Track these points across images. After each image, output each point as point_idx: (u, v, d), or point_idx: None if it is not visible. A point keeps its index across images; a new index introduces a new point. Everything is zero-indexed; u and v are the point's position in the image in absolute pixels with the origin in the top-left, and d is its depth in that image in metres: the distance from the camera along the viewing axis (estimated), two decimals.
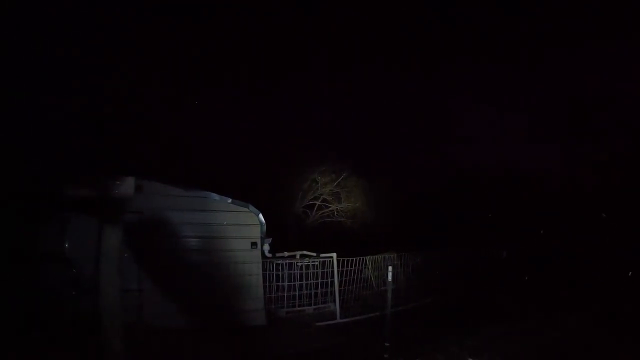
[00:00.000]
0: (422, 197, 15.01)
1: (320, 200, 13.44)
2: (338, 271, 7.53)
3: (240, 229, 6.74)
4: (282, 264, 7.15)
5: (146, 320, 5.83)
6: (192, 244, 6.44)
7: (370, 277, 7.96)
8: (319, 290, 7.53)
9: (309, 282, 7.42)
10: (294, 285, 7.32)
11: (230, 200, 6.74)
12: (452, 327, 6.74)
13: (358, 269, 7.88)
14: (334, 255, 7.55)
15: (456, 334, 6.19)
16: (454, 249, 10.36)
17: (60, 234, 5.84)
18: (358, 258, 7.86)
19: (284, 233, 7.63)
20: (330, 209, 13.41)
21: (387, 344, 5.29)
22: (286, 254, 7.26)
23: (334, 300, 7.49)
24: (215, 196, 6.67)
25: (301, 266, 7.38)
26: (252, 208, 6.88)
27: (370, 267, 7.96)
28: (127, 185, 3.82)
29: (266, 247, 6.92)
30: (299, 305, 7.39)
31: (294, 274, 7.35)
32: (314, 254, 7.53)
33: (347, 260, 7.73)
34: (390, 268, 5.21)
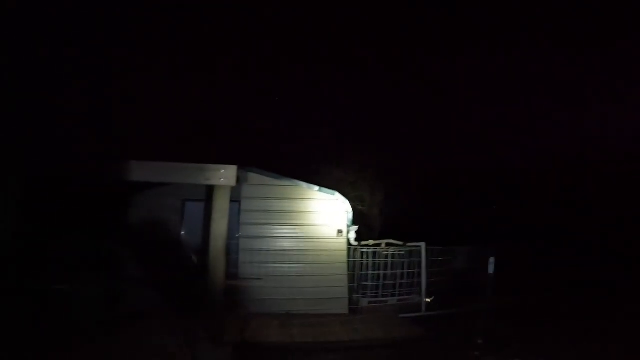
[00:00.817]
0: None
1: None
2: (426, 261, 7.20)
3: (327, 217, 6.84)
4: (367, 252, 7.07)
5: (242, 303, 6.29)
6: (282, 231, 6.72)
7: (461, 269, 7.44)
8: (405, 281, 7.29)
9: (394, 272, 7.23)
10: (378, 274, 7.19)
11: (317, 188, 6.85)
12: (555, 329, 6.03)
13: (448, 259, 7.43)
14: (423, 244, 7.23)
15: (558, 339, 5.52)
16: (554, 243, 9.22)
17: (177, 222, 6.61)
18: (448, 248, 7.40)
19: (370, 221, 7.50)
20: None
21: (479, 342, 4.90)
22: (371, 242, 7.15)
23: (420, 292, 7.20)
24: (304, 184, 6.83)
25: (386, 255, 7.21)
26: (338, 196, 6.91)
27: (461, 259, 7.44)
28: (231, 174, 4.01)
29: (352, 235, 6.90)
30: (383, 296, 7.27)
31: (379, 263, 7.21)
32: (401, 243, 7.28)
33: (437, 250, 7.32)
34: (492, 260, 4.75)
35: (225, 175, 3.96)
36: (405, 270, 7.22)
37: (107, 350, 4.28)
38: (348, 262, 6.88)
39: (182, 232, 6.71)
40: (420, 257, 7.23)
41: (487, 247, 6.75)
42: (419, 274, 7.22)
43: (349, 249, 6.90)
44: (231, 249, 6.02)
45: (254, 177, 6.61)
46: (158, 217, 6.57)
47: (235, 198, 5.94)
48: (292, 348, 4.96)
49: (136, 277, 5.76)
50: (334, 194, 6.91)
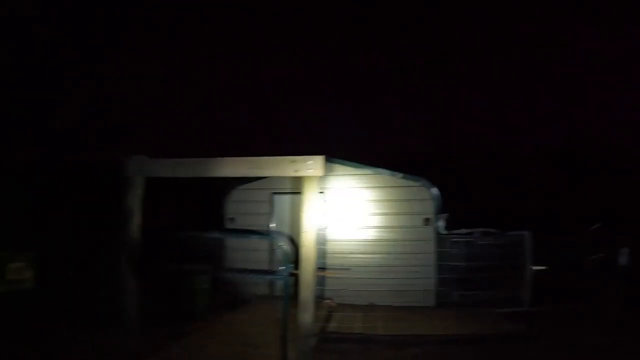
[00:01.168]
0: None
1: None
2: (531, 252, 6.44)
3: (413, 205, 6.56)
4: (459, 241, 6.59)
5: (327, 295, 6.40)
6: (367, 221, 6.66)
7: (578, 261, 6.47)
8: (504, 273, 6.61)
9: (490, 263, 6.60)
10: (472, 265, 6.65)
11: (401, 175, 6.60)
12: None
13: (557, 250, 6.52)
14: (527, 233, 6.48)
15: None
16: None
17: (268, 214, 7.00)
18: (558, 236, 6.50)
19: (466, 207, 6.91)
20: None
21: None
22: (464, 230, 6.64)
23: (522, 285, 6.47)
24: (386, 172, 6.65)
25: (481, 245, 6.63)
26: (424, 182, 6.57)
27: (576, 249, 6.47)
28: (319, 165, 4.00)
29: (441, 224, 6.50)
30: (477, 289, 6.69)
31: (473, 253, 6.66)
32: (499, 231, 6.63)
33: (544, 239, 6.48)
34: (625, 250, 4.01)
35: (313, 166, 3.96)
36: (505, 261, 6.56)
37: (211, 331, 4.82)
38: (437, 252, 6.52)
39: (273, 224, 7.11)
40: (522, 246, 6.50)
41: (612, 236, 5.76)
42: (521, 266, 6.50)
43: (438, 238, 6.53)
44: (318, 240, 6.16)
45: (338, 167, 6.67)
46: (251, 211, 7.06)
47: (321, 189, 6.08)
48: (377, 340, 4.86)
49: (235, 268, 6.31)
50: (419, 181, 6.58)
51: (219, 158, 3.95)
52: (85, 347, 4.03)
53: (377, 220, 6.63)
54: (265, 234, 6.85)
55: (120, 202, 3.88)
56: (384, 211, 6.62)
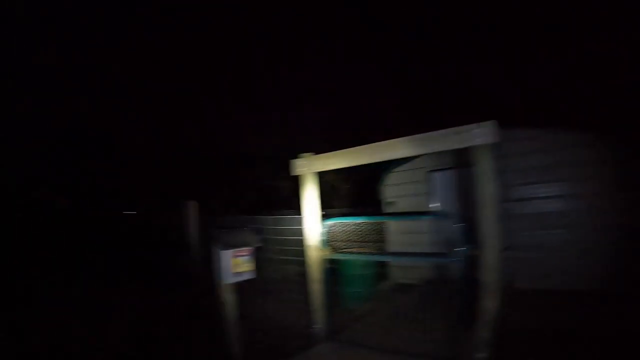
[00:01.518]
0: None
1: None
2: None
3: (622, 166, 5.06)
4: None
5: (513, 278, 5.61)
6: (551, 189, 5.54)
7: None
8: None
9: None
10: None
11: (596, 133, 5.19)
12: None
13: None
14: None
15: None
16: None
17: (428, 194, 6.75)
18: None
19: None
20: None
21: None
22: None
23: None
24: (565, 134, 5.36)
25: None
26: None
27: None
28: (490, 131, 3.57)
29: None
30: None
31: None
32: None
33: None
34: None
35: (483, 133, 3.52)
36: None
37: (381, 315, 4.99)
38: None
39: (435, 204, 6.73)
40: None
41: None
42: None
43: None
44: (499, 215, 5.48)
45: (515, 132, 5.71)
46: (409, 192, 6.86)
47: (494, 157, 5.37)
48: (568, 332, 3.94)
49: (401, 252, 6.29)
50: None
51: (382, 142, 3.92)
52: None
53: (564, 187, 5.42)
54: (433, 214, 6.54)
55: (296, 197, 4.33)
56: (571, 176, 5.36)
